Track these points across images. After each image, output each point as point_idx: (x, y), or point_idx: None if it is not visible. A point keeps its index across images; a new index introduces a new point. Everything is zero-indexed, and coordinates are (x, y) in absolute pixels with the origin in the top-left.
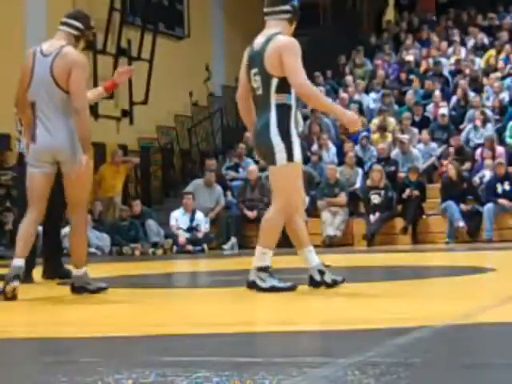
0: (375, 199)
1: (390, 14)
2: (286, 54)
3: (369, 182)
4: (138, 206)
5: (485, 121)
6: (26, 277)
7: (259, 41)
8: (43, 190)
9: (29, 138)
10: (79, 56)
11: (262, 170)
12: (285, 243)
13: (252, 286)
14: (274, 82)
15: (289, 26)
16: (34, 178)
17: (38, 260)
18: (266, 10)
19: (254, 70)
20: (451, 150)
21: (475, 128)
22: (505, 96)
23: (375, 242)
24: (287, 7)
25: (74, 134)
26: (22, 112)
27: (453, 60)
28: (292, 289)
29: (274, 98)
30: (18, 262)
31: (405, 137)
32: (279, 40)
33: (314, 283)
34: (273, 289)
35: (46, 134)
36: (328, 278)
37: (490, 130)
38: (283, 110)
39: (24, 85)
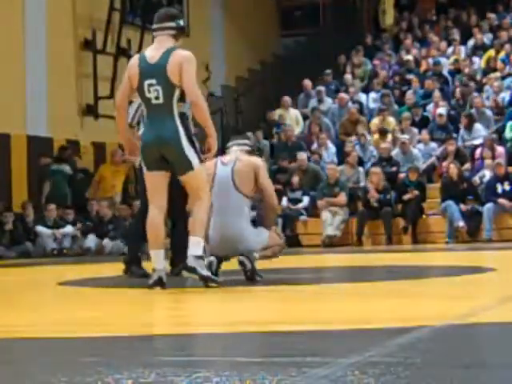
0: (374, 202)
1: (389, 14)
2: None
3: (368, 185)
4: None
5: (471, 122)
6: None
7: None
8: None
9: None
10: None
11: None
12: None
13: (191, 270)
14: (177, 92)
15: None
16: None
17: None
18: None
19: (151, 81)
20: (449, 150)
21: (465, 129)
22: (505, 96)
23: (374, 241)
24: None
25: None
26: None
27: (452, 60)
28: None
29: (175, 107)
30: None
31: (405, 137)
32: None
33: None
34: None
35: None
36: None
37: (482, 130)
38: (183, 119)
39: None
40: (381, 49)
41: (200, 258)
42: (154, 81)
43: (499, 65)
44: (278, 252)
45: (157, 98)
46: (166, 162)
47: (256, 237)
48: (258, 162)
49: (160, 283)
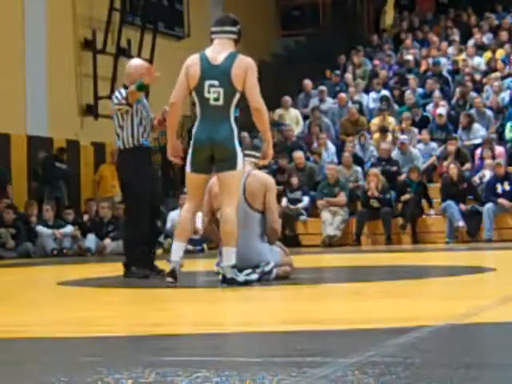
0: (374, 203)
1: (389, 15)
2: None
3: (367, 185)
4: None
5: (470, 122)
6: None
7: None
8: None
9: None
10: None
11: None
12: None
13: (230, 282)
14: (237, 96)
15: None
16: None
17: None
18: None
19: (213, 82)
20: (450, 150)
21: (463, 129)
22: (505, 96)
23: (374, 241)
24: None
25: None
26: None
27: (452, 60)
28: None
29: (233, 111)
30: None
31: (404, 137)
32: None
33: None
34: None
35: None
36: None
37: (480, 130)
38: (237, 123)
39: None
40: (381, 49)
41: (234, 267)
42: (215, 82)
43: (499, 65)
44: (290, 272)
45: (216, 99)
46: (211, 163)
47: (270, 253)
48: (270, 181)
49: (172, 274)
